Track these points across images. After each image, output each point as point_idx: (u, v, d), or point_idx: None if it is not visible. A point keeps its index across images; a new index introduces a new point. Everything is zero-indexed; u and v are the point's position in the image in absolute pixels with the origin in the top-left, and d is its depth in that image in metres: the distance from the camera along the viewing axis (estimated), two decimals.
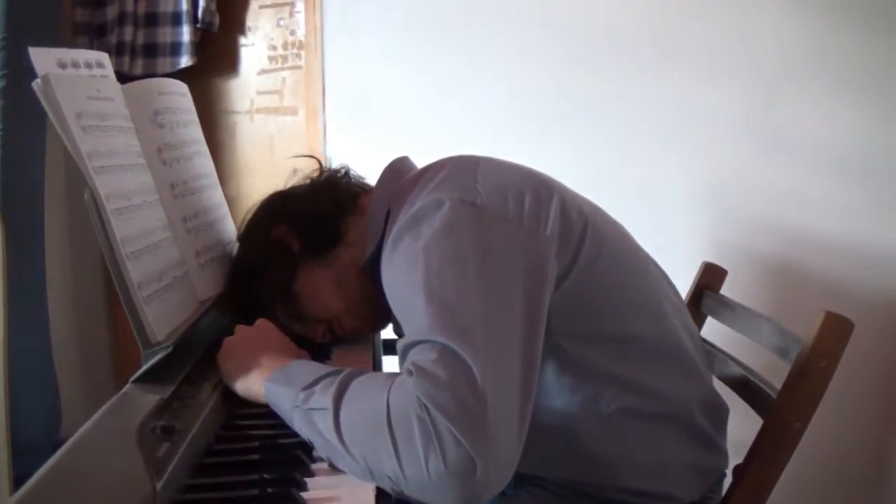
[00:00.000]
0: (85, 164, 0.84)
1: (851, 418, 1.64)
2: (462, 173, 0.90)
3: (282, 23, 2.12)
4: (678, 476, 0.94)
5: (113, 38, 1.92)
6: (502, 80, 1.92)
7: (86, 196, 0.83)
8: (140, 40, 1.95)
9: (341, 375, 0.75)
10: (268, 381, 0.84)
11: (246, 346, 0.94)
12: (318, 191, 1.10)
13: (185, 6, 1.93)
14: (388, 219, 0.96)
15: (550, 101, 1.90)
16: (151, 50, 1.95)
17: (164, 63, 1.95)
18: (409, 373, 0.69)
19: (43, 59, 0.86)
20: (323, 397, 0.74)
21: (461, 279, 0.76)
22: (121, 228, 0.86)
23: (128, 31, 1.92)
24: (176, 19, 1.94)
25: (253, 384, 0.87)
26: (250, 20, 2.13)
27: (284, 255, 1.06)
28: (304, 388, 0.77)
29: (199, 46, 1.99)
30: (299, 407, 0.76)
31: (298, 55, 2.12)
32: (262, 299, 1.08)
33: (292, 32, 2.12)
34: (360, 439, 0.70)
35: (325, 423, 0.72)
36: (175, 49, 1.95)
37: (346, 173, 1.14)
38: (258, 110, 2.17)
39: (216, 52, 2.09)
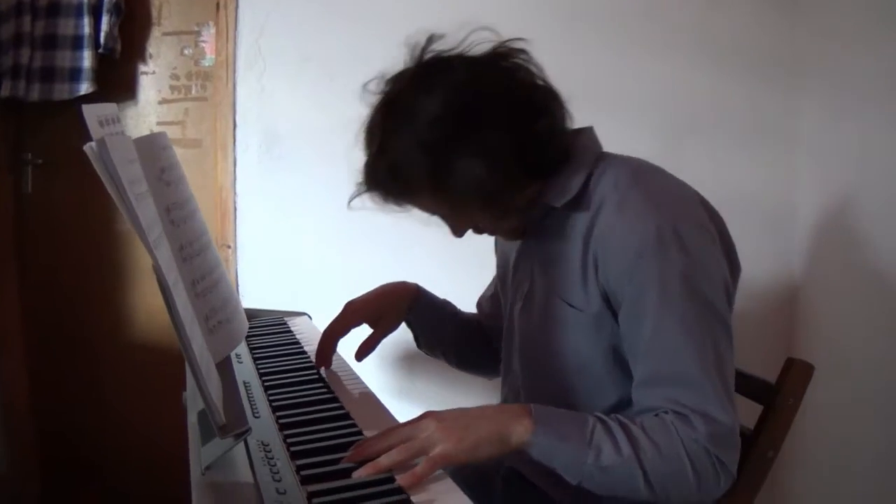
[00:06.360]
0: (146, 240, 0.79)
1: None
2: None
3: (186, 51, 2.02)
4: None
5: (8, 60, 1.74)
6: None
7: (157, 277, 0.78)
8: (37, 63, 1.79)
9: (615, 428, 0.91)
10: (537, 437, 0.90)
11: (461, 413, 0.92)
12: (553, 111, 1.04)
13: (86, 30, 1.78)
14: (589, 177, 1.03)
15: None
16: (49, 74, 1.79)
17: (61, 89, 1.79)
18: (681, 417, 0.92)
19: (92, 117, 0.79)
20: (617, 455, 0.90)
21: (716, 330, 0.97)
22: (180, 307, 0.82)
23: (24, 53, 1.75)
24: (77, 43, 1.79)
25: (508, 439, 0.90)
26: (151, 47, 2.00)
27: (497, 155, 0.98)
28: (589, 444, 0.90)
29: (98, 72, 1.85)
30: (591, 464, 0.90)
31: (203, 86, 2.03)
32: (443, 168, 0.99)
33: (196, 62, 2.02)
34: (665, 482, 0.91)
35: (629, 473, 0.90)
36: (74, 75, 1.80)
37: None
38: None
39: (113, 79, 1.94)
